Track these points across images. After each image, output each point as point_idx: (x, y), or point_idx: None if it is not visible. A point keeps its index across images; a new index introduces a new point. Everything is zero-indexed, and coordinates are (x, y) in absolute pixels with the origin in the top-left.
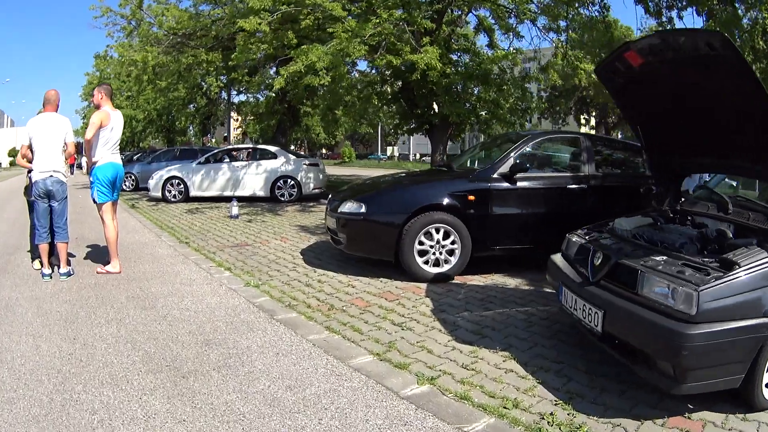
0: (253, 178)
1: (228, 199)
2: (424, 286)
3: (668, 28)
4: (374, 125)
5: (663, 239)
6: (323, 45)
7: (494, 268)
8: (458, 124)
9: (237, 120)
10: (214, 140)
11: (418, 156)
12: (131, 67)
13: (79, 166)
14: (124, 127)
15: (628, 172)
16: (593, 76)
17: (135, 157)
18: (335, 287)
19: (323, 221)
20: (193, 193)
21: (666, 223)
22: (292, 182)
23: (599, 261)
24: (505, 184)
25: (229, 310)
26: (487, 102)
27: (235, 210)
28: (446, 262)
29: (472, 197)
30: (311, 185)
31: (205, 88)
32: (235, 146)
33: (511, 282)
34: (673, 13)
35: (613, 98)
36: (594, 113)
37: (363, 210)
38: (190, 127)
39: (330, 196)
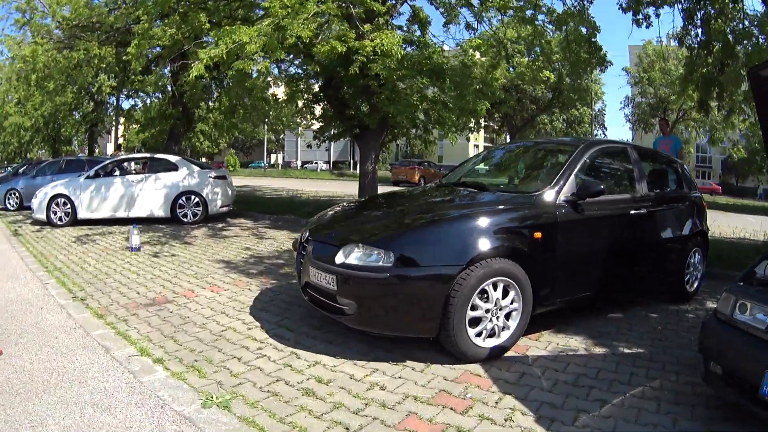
0: (151, 195)
1: (122, 221)
2: (480, 370)
3: (644, 26)
4: (277, 130)
5: None
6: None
7: (538, 326)
8: (393, 127)
9: (122, 126)
10: (96, 151)
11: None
12: (20, 64)
13: None
14: (12, 137)
15: (669, 190)
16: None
17: (21, 170)
18: (355, 392)
19: (246, 251)
20: (81, 214)
21: None
22: (197, 199)
23: None
24: (572, 213)
25: None
26: (435, 102)
27: (135, 240)
28: (503, 329)
29: (538, 234)
30: (218, 202)
31: (96, 87)
32: (129, 156)
33: (579, 342)
34: (650, 10)
35: (755, 102)
36: (498, 116)
37: (390, 261)
38: (75, 136)
39: (307, 233)
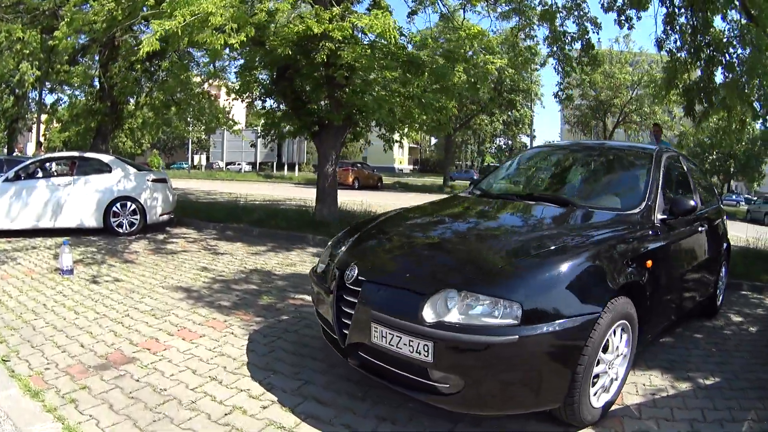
0: (80, 202)
1: (47, 233)
2: None
3: (626, 27)
4: (212, 128)
5: None
6: None
7: None
8: (357, 125)
9: (44, 125)
10: (17, 150)
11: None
12: None
13: None
14: None
15: (712, 200)
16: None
17: None
18: None
19: (205, 273)
20: None
21: None
22: (133, 206)
23: None
24: (668, 233)
25: None
26: (410, 97)
27: (67, 260)
28: (613, 380)
29: (649, 261)
30: (158, 210)
31: (17, 78)
32: (54, 155)
33: (659, 379)
34: (632, 12)
35: None
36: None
37: (517, 315)
38: None
39: (355, 271)
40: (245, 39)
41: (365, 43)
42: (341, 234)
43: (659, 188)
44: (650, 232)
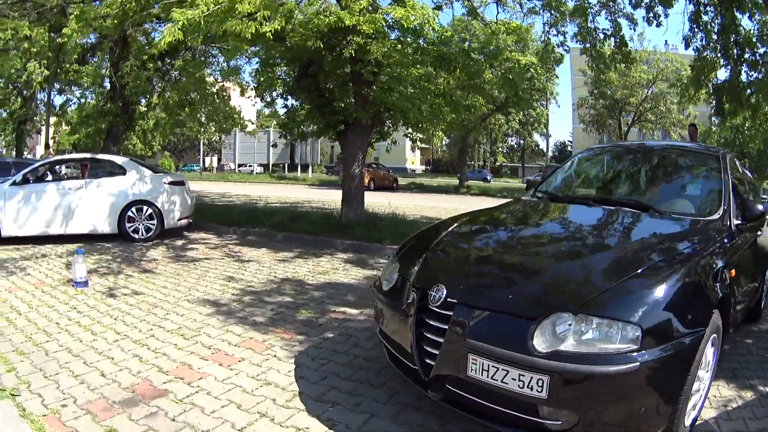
0: (93, 206)
1: (58, 239)
2: None
3: (655, 24)
4: (226, 129)
5: None
6: None
7: None
8: (383, 123)
9: (52, 128)
10: (26, 152)
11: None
12: None
13: None
14: None
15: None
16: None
17: None
18: None
19: (232, 283)
20: (6, 231)
21: None
22: (150, 210)
23: None
24: (743, 241)
25: None
26: (442, 95)
27: (81, 270)
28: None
29: (734, 271)
30: (176, 214)
31: (24, 78)
32: (64, 157)
33: (726, 389)
34: (660, 9)
35: None
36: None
37: (636, 339)
38: (2, 136)
39: (443, 292)
40: (278, 28)
41: (393, 38)
42: (407, 247)
43: (732, 192)
44: (731, 240)
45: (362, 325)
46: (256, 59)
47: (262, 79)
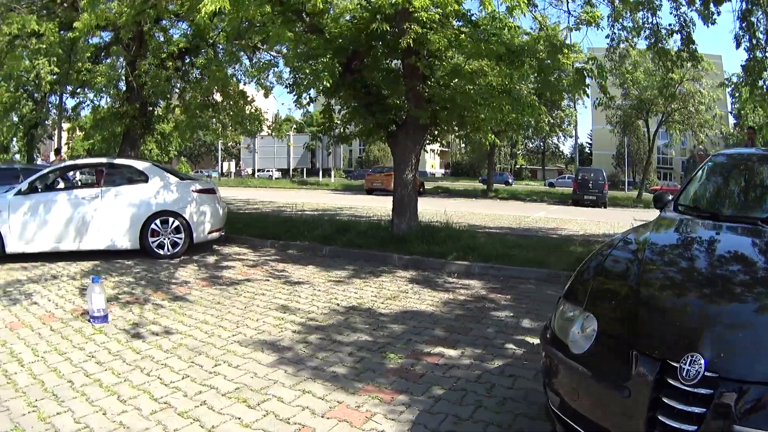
0: (110, 218)
1: (69, 256)
2: None
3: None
4: (251, 131)
5: None
6: None
7: None
8: (439, 123)
9: (66, 133)
10: (38, 158)
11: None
12: None
13: None
14: None
15: None
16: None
17: None
18: None
19: (287, 314)
20: (11, 247)
21: None
22: (176, 223)
23: None
24: None
25: None
26: (507, 91)
27: (98, 302)
28: None
29: None
30: (206, 226)
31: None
32: (77, 162)
33: None
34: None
35: None
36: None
37: None
38: (14, 142)
39: (697, 364)
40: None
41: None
42: (595, 289)
43: None
44: None
45: (472, 373)
46: (281, 58)
47: (307, 71)
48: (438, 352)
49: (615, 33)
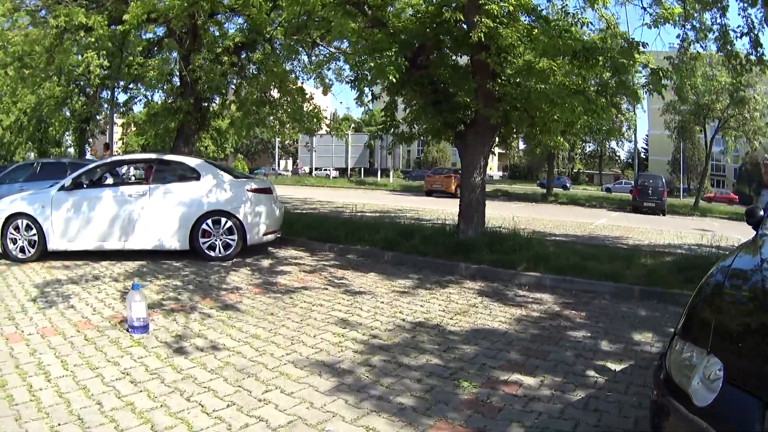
0: (159, 216)
1: (114, 255)
2: None
3: None
4: (311, 129)
5: None
6: None
7: None
8: (509, 123)
9: (120, 129)
10: (89, 153)
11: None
12: None
13: None
14: None
15: None
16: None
17: None
18: None
19: (347, 329)
20: (53, 244)
21: None
22: (229, 223)
23: None
24: None
25: None
26: (581, 92)
27: (138, 311)
28: None
29: None
30: (261, 228)
31: (82, 69)
32: (125, 157)
33: None
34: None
35: None
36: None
37: None
38: (66, 136)
39: None
40: None
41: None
42: (717, 327)
43: None
44: None
45: (554, 406)
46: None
47: (371, 64)
48: (515, 380)
49: (685, 33)
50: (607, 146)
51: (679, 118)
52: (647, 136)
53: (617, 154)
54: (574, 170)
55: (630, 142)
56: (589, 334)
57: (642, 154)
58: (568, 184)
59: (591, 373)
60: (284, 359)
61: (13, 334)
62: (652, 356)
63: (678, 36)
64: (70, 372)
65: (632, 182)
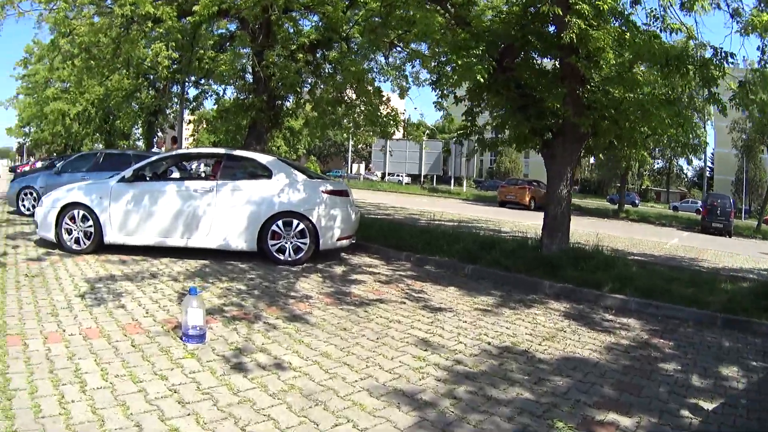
0: (225, 215)
1: (177, 252)
2: None
3: None
4: (388, 132)
5: None
6: None
7: None
8: (596, 134)
9: (190, 122)
10: (156, 146)
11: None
12: (61, 40)
13: None
14: (56, 125)
15: None
16: None
17: (53, 164)
18: None
19: (428, 351)
20: (110, 237)
21: None
22: (302, 225)
23: None
24: None
25: None
26: (672, 102)
27: (195, 318)
28: None
29: None
30: (335, 232)
31: (149, 59)
32: (192, 151)
33: None
34: None
35: None
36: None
37: None
38: (135, 128)
39: None
40: None
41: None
42: None
43: None
44: None
45: None
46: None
47: (459, 62)
48: (612, 420)
49: (765, 45)
50: (676, 163)
51: (744, 137)
52: (713, 154)
53: (684, 171)
54: (642, 186)
55: (700, 159)
56: (679, 367)
57: (707, 173)
58: (637, 201)
59: (685, 413)
60: (358, 385)
61: (53, 332)
62: (739, 393)
63: (758, 48)
64: (110, 384)
65: (699, 201)
